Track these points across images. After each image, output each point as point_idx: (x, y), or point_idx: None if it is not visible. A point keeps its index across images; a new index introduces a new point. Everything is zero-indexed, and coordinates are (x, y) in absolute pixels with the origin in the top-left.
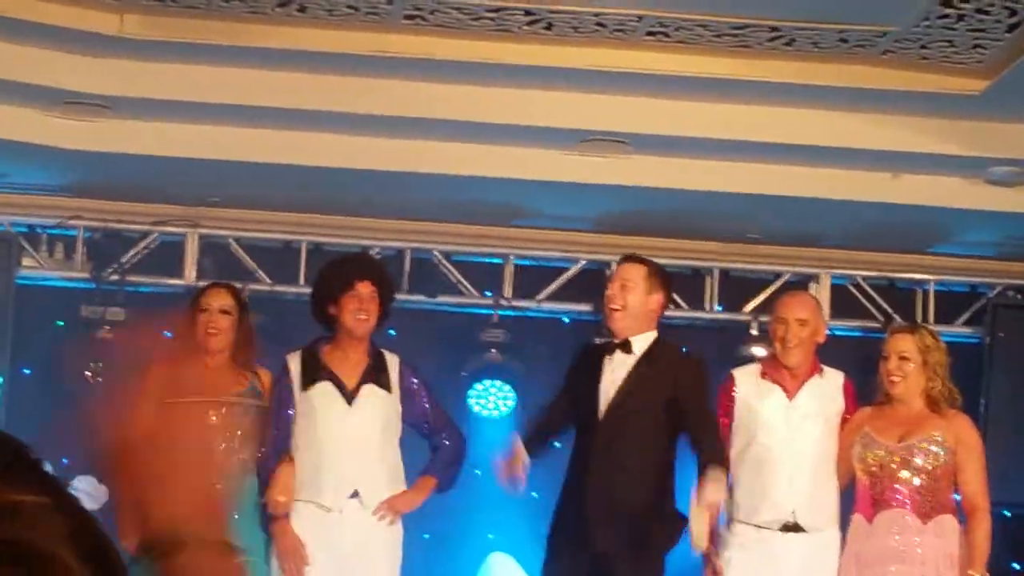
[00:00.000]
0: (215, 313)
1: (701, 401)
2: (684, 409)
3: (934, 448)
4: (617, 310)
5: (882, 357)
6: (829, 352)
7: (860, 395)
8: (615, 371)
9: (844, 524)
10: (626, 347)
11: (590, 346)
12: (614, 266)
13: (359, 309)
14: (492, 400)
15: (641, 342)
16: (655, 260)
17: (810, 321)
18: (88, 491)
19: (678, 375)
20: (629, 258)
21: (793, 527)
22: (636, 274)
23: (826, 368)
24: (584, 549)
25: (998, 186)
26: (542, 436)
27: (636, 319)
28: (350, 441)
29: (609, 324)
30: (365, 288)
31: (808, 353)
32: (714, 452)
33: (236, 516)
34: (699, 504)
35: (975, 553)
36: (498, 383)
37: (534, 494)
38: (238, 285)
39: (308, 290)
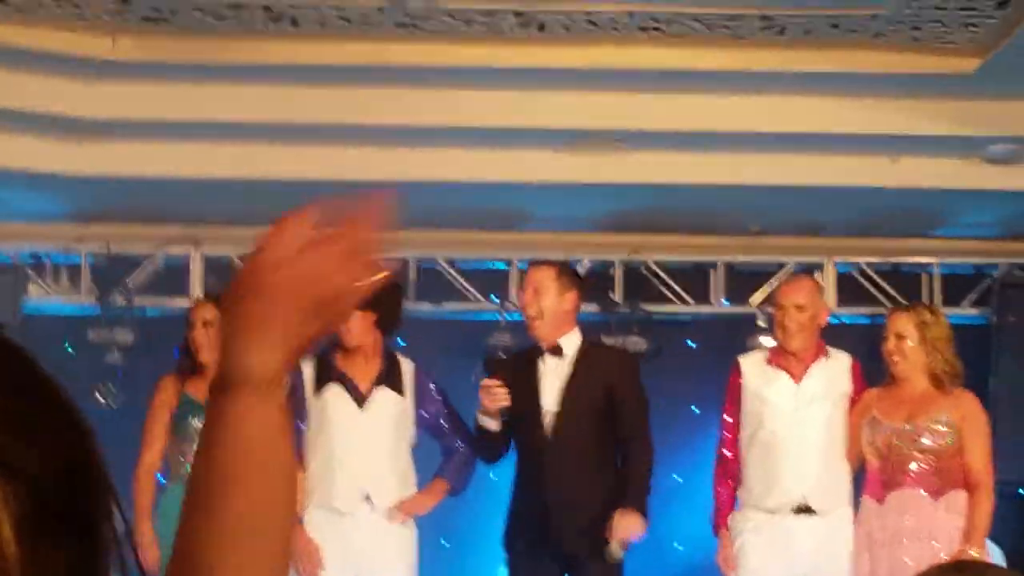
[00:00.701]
0: (198, 328)
1: (635, 410)
2: (619, 418)
3: (940, 428)
4: (535, 318)
5: (883, 338)
6: (837, 339)
7: (869, 379)
8: (550, 377)
9: (856, 505)
10: (556, 351)
11: (507, 359)
12: (616, 265)
13: (347, 329)
14: None
15: (569, 344)
16: (562, 260)
17: (808, 305)
18: None
19: (613, 375)
20: (535, 263)
21: (805, 510)
22: (545, 277)
23: (832, 350)
24: (549, 552)
25: (997, 165)
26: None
27: (555, 321)
28: (361, 444)
29: (531, 333)
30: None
31: (810, 337)
32: (636, 487)
33: None
34: (612, 538)
35: (974, 530)
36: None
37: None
38: None
39: None
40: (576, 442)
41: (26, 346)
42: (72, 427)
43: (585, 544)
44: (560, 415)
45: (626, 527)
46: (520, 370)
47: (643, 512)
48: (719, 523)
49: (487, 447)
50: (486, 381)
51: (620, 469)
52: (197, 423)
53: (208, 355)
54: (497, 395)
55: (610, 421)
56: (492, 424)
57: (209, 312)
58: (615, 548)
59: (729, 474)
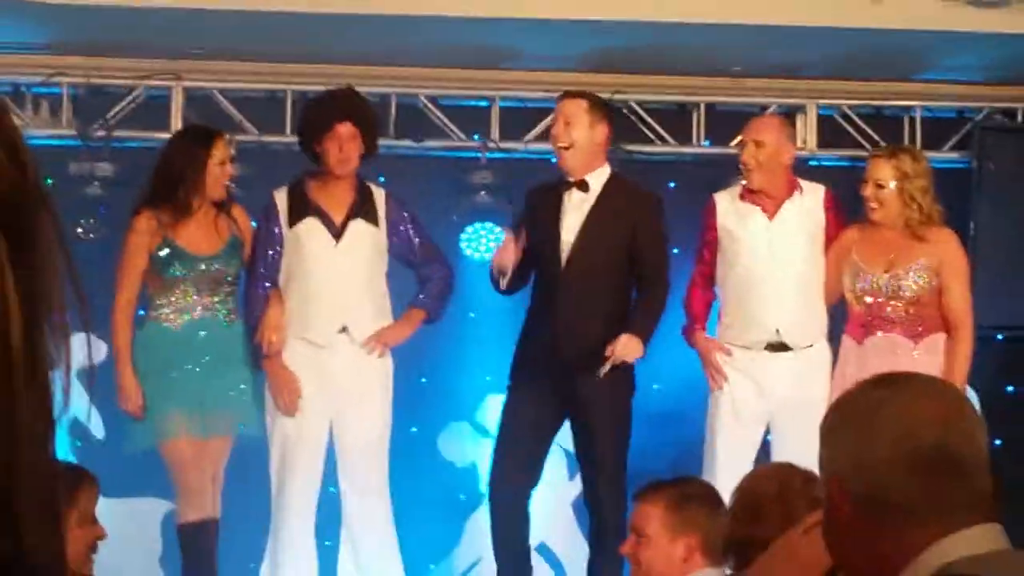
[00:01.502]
0: (229, 166)
1: (656, 251)
2: (639, 257)
3: (920, 276)
4: (565, 148)
5: (862, 182)
6: (818, 182)
7: (844, 214)
8: (573, 213)
9: (834, 341)
10: (583, 186)
11: (541, 188)
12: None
13: (339, 151)
14: (484, 243)
15: (596, 179)
16: (596, 93)
17: (768, 142)
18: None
19: (636, 215)
20: (568, 94)
21: (779, 346)
22: (578, 108)
23: (806, 184)
24: (556, 391)
25: (983, 7)
26: (514, 275)
27: (585, 154)
28: (338, 276)
29: (560, 164)
30: (345, 129)
31: (773, 174)
32: (645, 317)
33: (228, 365)
34: (607, 357)
35: (955, 370)
36: (489, 225)
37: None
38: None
39: (294, 140)
40: (590, 274)
41: None
42: (3, 131)
43: (589, 377)
44: (577, 247)
45: (623, 346)
46: (546, 203)
47: (644, 339)
48: (694, 328)
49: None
50: (506, 236)
51: (636, 302)
52: (180, 271)
53: (214, 190)
54: (504, 254)
55: (628, 259)
56: (501, 281)
57: (225, 151)
58: (607, 365)
59: (701, 292)
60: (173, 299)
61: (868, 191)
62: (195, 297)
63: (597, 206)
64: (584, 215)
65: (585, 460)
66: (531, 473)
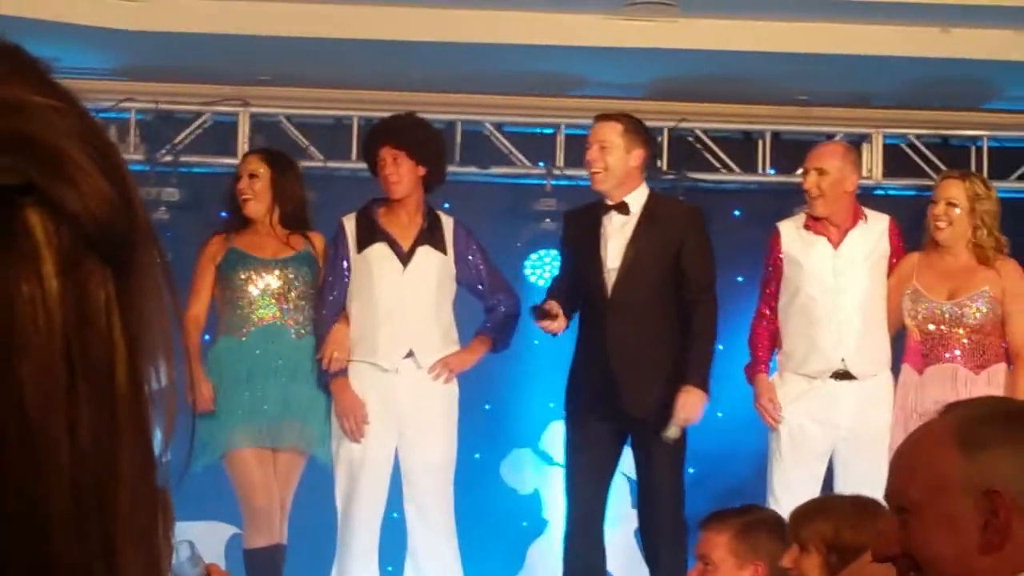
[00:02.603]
0: (244, 180)
1: (702, 266)
2: (685, 273)
3: (982, 304)
4: (598, 172)
5: (931, 202)
6: (884, 211)
7: (909, 246)
8: (616, 237)
9: (896, 368)
10: (623, 208)
11: (579, 211)
12: (663, 133)
13: (384, 175)
14: (548, 269)
15: (635, 201)
16: (633, 115)
17: (831, 170)
18: None
19: (681, 231)
20: (602, 117)
21: (844, 375)
22: (612, 133)
23: (870, 213)
24: (613, 417)
25: None
26: (564, 307)
27: (620, 179)
28: (405, 302)
29: (595, 188)
30: (388, 153)
31: (836, 203)
32: (700, 358)
33: (295, 380)
34: (673, 422)
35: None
36: (553, 252)
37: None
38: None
39: (361, 165)
40: (639, 301)
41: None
42: (114, 168)
43: (648, 408)
44: (622, 273)
45: (688, 409)
46: (586, 227)
47: (705, 388)
48: (757, 369)
49: None
50: (540, 323)
51: (685, 332)
52: (244, 275)
53: (253, 208)
54: (551, 326)
55: (675, 279)
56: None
57: (255, 165)
58: (673, 430)
59: (766, 327)
60: (239, 305)
61: (938, 209)
62: (261, 302)
63: (639, 228)
64: (627, 239)
65: (644, 487)
66: (603, 503)
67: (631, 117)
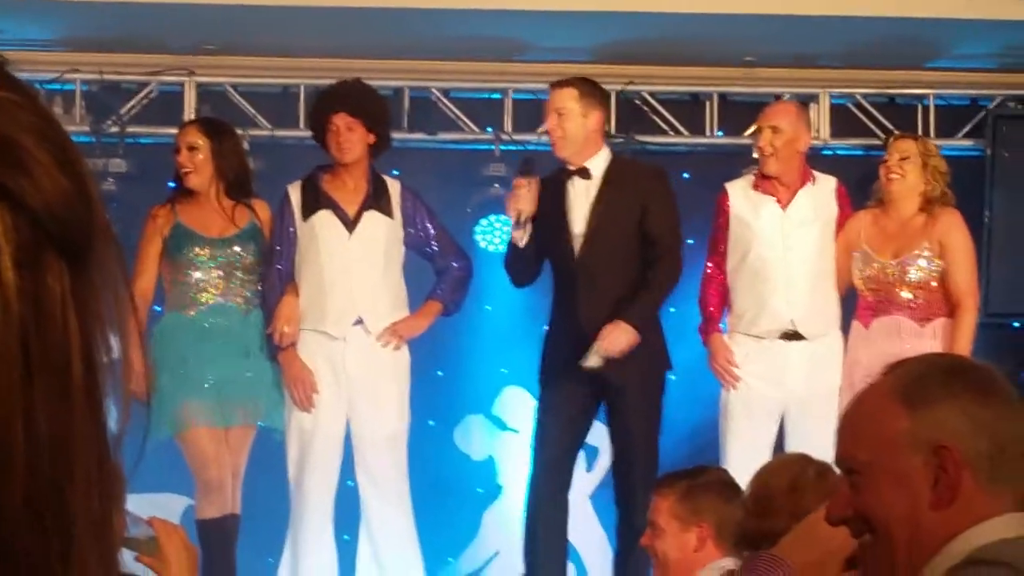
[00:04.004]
0: (184, 152)
1: (666, 225)
2: (649, 233)
3: (925, 262)
4: (558, 139)
5: (882, 161)
6: (831, 171)
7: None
8: (579, 202)
9: (846, 328)
10: (584, 173)
11: (543, 178)
12: (611, 97)
13: (338, 142)
14: (498, 235)
15: (597, 164)
16: (589, 78)
17: (785, 129)
18: None
19: (644, 192)
20: (557, 84)
21: (793, 335)
22: (567, 98)
23: (819, 175)
24: (587, 385)
25: None
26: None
27: (580, 144)
28: (351, 268)
29: (556, 155)
30: (341, 120)
31: (788, 162)
32: (644, 301)
33: (244, 355)
34: (592, 351)
35: (957, 348)
36: (503, 218)
37: (545, 327)
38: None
39: (308, 134)
40: (606, 265)
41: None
42: (72, 163)
43: (619, 370)
44: (588, 238)
45: (610, 340)
46: (550, 192)
47: (636, 327)
48: (711, 329)
49: (517, 268)
50: (517, 179)
51: (640, 281)
52: (190, 253)
53: (195, 181)
54: (519, 195)
55: (641, 242)
56: (518, 236)
57: (194, 136)
58: (593, 359)
59: (716, 288)
60: (185, 284)
61: (892, 161)
62: (207, 282)
63: (602, 191)
64: (591, 203)
65: (620, 450)
66: (570, 470)
67: (586, 80)
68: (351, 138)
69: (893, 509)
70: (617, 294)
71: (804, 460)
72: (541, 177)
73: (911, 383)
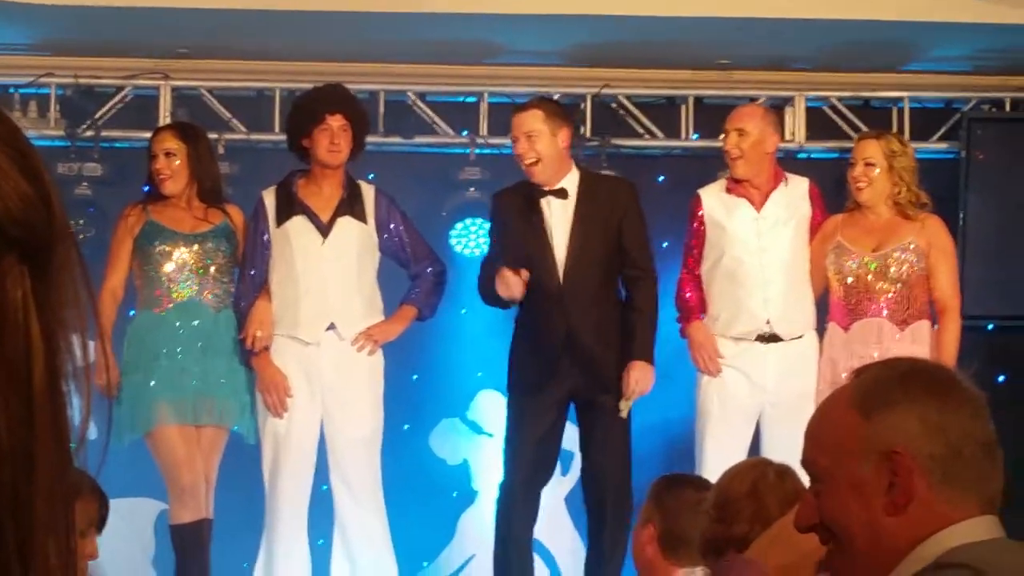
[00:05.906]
0: (161, 159)
1: (642, 244)
2: (627, 251)
3: (908, 256)
4: (533, 164)
5: (849, 164)
6: (807, 173)
7: (832, 210)
8: (559, 225)
9: (821, 330)
10: (561, 194)
11: (510, 193)
12: (586, 100)
13: (330, 143)
14: (473, 239)
15: (570, 183)
16: (547, 97)
17: (751, 131)
18: None
19: (619, 208)
20: (520, 108)
21: (770, 337)
22: (534, 121)
23: (791, 176)
24: (561, 392)
25: None
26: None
27: (556, 164)
28: (324, 274)
29: (532, 180)
30: (336, 121)
31: (757, 164)
32: (645, 333)
33: (214, 354)
34: (625, 397)
35: (943, 354)
36: (479, 221)
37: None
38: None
39: (283, 138)
40: (590, 283)
41: None
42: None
43: (602, 385)
44: (572, 260)
45: (642, 383)
46: (524, 212)
47: (651, 362)
48: (691, 318)
49: (492, 303)
50: (504, 271)
51: (628, 307)
52: (161, 249)
53: (171, 187)
54: (512, 287)
55: (618, 255)
56: (513, 302)
57: (170, 142)
58: (624, 405)
59: (693, 292)
60: (156, 280)
61: (857, 171)
62: (178, 277)
63: (579, 211)
64: (570, 223)
65: (593, 457)
66: (546, 472)
67: (547, 99)
68: (344, 139)
69: (852, 516)
70: (597, 311)
71: (763, 464)
72: (510, 187)
73: (868, 389)
